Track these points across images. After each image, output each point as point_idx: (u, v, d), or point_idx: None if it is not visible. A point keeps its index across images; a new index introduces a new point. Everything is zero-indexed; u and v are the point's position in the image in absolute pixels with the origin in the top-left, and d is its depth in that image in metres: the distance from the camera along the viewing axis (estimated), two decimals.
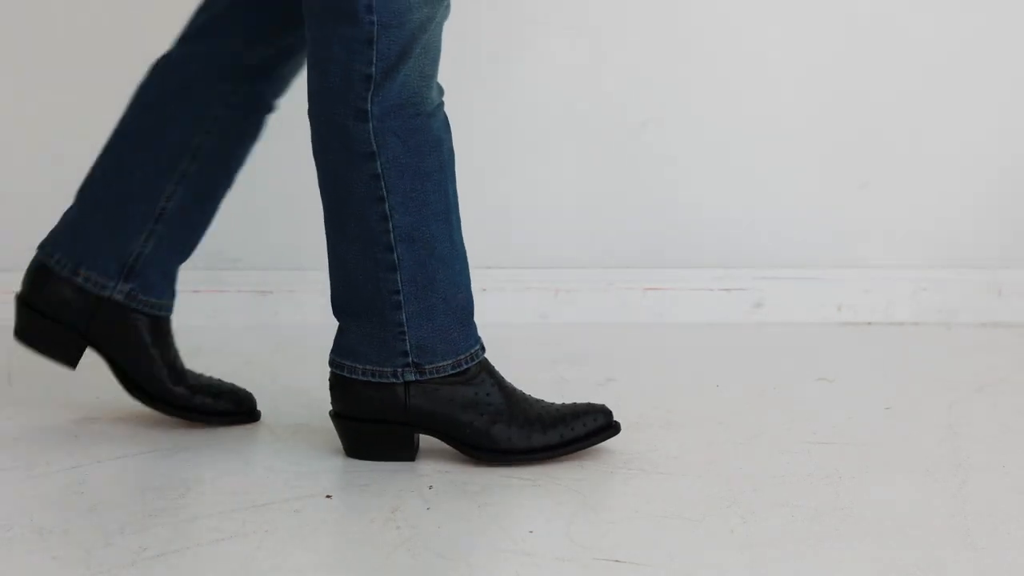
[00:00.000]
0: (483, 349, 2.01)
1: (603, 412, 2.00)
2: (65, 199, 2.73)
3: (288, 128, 2.74)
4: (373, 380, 1.97)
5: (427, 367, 1.97)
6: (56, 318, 2.12)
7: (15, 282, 2.72)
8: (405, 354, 1.97)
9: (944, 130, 2.72)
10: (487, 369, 2.00)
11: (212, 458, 2.02)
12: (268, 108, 2.16)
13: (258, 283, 2.73)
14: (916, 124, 2.72)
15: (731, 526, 1.79)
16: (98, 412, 2.21)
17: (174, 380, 2.13)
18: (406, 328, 1.96)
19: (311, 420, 2.16)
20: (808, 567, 1.69)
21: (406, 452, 2.00)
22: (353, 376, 1.98)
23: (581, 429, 1.99)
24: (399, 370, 1.97)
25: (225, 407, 2.14)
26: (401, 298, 1.95)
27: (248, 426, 2.15)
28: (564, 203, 2.67)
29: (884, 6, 2.70)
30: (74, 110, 2.72)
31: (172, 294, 2.19)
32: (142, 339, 2.13)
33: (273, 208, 2.73)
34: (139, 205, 2.12)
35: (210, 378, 2.17)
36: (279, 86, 2.14)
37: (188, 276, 2.72)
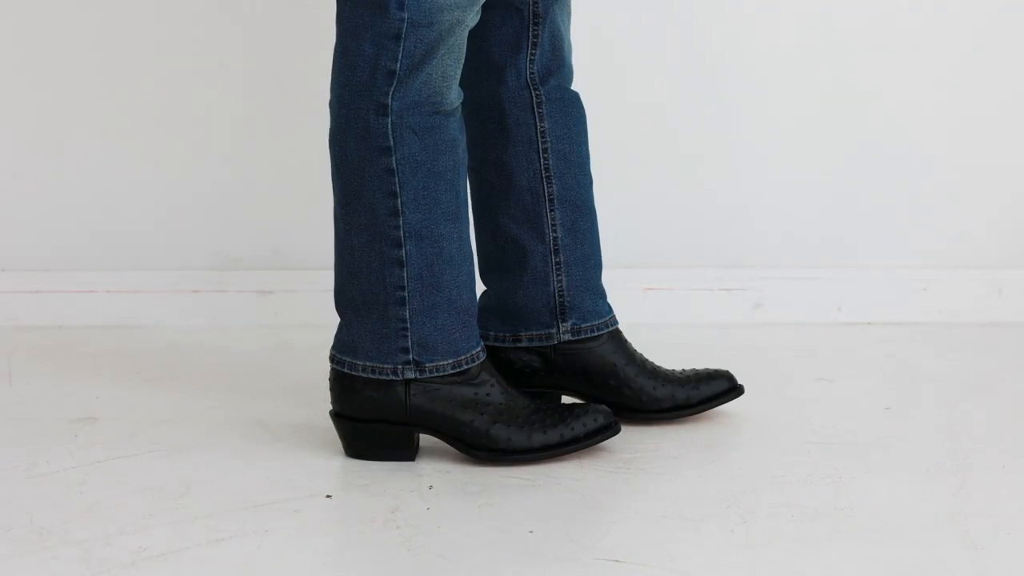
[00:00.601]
0: (484, 351, 2.01)
1: (603, 412, 2.00)
2: (64, 199, 2.74)
3: (289, 129, 2.74)
4: (373, 377, 1.97)
5: (427, 365, 1.97)
6: (530, 384, 2.15)
7: (14, 282, 2.73)
8: (406, 351, 1.97)
9: (944, 130, 2.72)
10: (487, 369, 2.00)
11: (212, 458, 2.02)
12: (551, 88, 2.15)
13: (258, 283, 2.73)
14: (916, 124, 2.72)
15: (731, 526, 1.79)
16: (98, 412, 2.21)
17: (657, 385, 2.13)
18: (408, 324, 1.96)
19: (311, 420, 2.16)
20: (808, 567, 1.69)
21: (406, 452, 2.00)
22: (353, 373, 1.98)
23: (581, 429, 1.99)
24: (399, 367, 1.97)
25: (719, 388, 2.15)
26: (406, 294, 1.95)
27: (248, 426, 2.15)
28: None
29: (886, 7, 2.70)
30: (74, 110, 2.72)
31: (608, 307, 2.17)
32: (610, 363, 2.13)
33: (273, 208, 2.73)
34: (537, 247, 2.13)
35: (682, 370, 2.18)
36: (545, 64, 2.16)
37: (188, 276, 2.73)
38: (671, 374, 2.14)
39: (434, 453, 2.02)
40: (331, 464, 1.99)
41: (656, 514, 1.83)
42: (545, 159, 2.12)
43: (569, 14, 2.15)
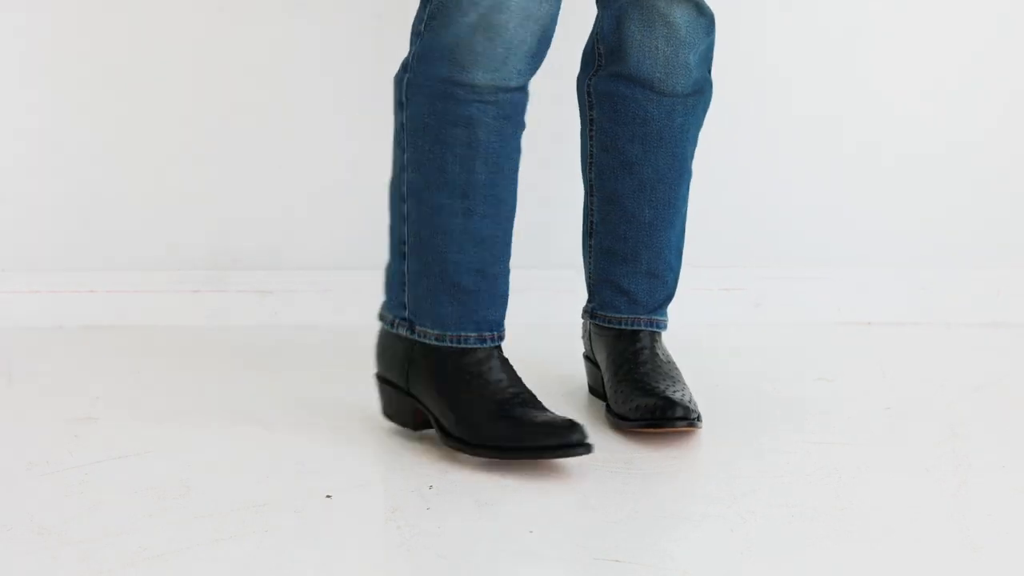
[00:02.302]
0: (482, 341, 2.00)
1: (572, 430, 1.93)
2: (64, 199, 2.74)
3: (289, 129, 2.74)
4: (385, 328, 2.04)
5: (417, 327, 2.00)
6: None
7: (14, 282, 2.73)
8: (403, 306, 2.00)
9: (944, 130, 2.72)
10: (484, 361, 2.00)
11: (212, 458, 2.02)
12: (602, 79, 2.16)
13: (258, 283, 2.72)
14: (915, 123, 2.72)
15: (731, 526, 1.79)
16: (98, 412, 2.21)
17: (610, 395, 2.13)
18: (407, 281, 2.00)
19: (311, 420, 2.15)
20: (808, 567, 1.69)
21: (408, 421, 2.01)
22: (379, 320, 2.06)
23: (536, 441, 1.93)
24: (396, 320, 2.01)
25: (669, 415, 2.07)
26: (407, 249, 2.00)
27: (247, 427, 2.14)
28: (564, 203, 2.67)
29: (885, 7, 2.70)
30: (74, 110, 2.72)
31: (631, 307, 2.17)
32: (603, 355, 2.17)
33: (273, 208, 2.73)
34: (583, 221, 2.22)
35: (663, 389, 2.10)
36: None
37: (188, 276, 2.73)
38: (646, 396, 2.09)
39: (434, 453, 2.02)
40: (331, 464, 1.99)
41: (656, 514, 1.83)
42: (591, 145, 2.18)
43: (669, 26, 2.08)
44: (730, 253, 2.74)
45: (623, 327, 2.17)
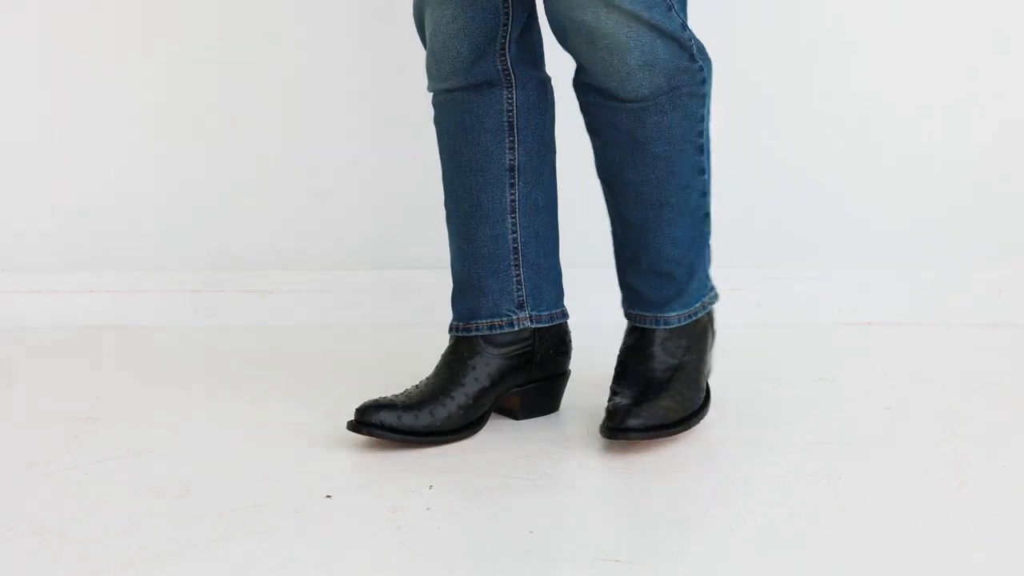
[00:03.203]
0: (453, 330, 2.10)
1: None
2: (64, 199, 2.74)
3: (289, 129, 2.74)
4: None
5: None
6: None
7: (14, 282, 2.73)
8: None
9: (944, 129, 2.72)
10: (459, 357, 2.09)
11: (212, 458, 2.02)
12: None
13: (258, 283, 2.73)
14: (917, 124, 2.72)
15: (731, 526, 1.79)
16: (98, 412, 2.21)
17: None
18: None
19: (311, 420, 2.16)
20: (808, 567, 1.69)
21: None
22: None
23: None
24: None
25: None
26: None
27: (248, 426, 2.14)
28: (565, 203, 2.68)
29: (888, 7, 2.70)
30: (74, 110, 2.72)
31: (646, 307, 2.15)
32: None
33: (273, 208, 2.73)
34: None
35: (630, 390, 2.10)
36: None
37: (188, 276, 2.73)
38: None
39: (434, 453, 2.02)
40: (331, 464, 1.99)
41: (656, 514, 1.83)
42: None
43: (606, 37, 2.01)
44: (731, 253, 2.74)
45: (636, 324, 2.16)
